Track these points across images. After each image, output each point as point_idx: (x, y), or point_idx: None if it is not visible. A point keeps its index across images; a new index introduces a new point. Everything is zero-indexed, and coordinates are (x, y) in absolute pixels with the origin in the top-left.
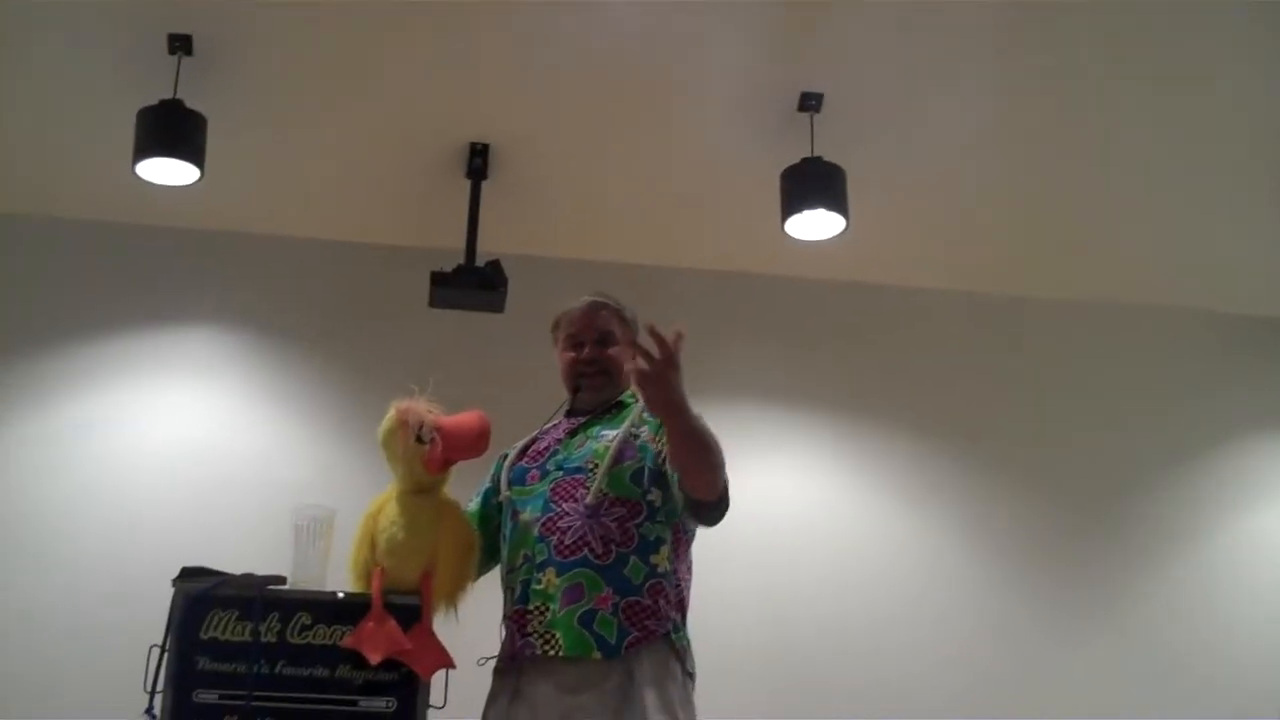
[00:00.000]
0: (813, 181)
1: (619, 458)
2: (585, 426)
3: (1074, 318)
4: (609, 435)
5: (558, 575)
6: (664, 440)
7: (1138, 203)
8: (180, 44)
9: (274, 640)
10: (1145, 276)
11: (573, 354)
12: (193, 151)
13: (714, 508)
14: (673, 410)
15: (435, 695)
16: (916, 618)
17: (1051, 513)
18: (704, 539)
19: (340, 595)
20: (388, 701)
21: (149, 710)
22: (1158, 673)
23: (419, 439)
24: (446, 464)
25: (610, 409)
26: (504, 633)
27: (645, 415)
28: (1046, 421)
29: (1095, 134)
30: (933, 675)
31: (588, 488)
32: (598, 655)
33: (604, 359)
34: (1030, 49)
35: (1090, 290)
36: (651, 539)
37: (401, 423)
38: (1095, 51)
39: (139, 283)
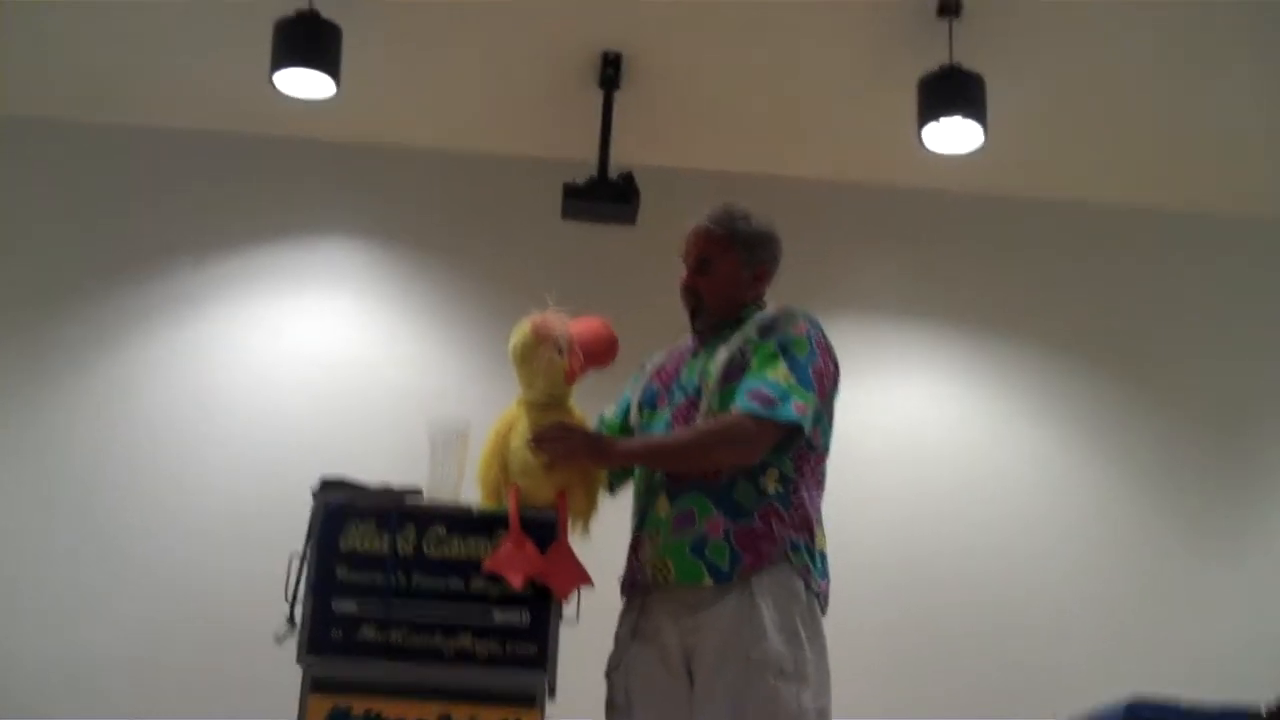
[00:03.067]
0: (951, 90)
1: (725, 378)
2: (707, 345)
3: (1221, 232)
4: (723, 354)
5: (670, 501)
6: (758, 362)
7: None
8: None
9: (410, 552)
10: None
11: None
12: (329, 63)
13: (777, 449)
14: (604, 460)
15: (568, 610)
16: (1052, 535)
17: (1193, 433)
18: (839, 456)
19: (475, 511)
20: (522, 614)
21: (289, 618)
22: None
23: (558, 351)
24: (582, 373)
25: (730, 326)
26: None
27: (750, 334)
28: (1189, 339)
29: (1245, 44)
30: (1065, 593)
31: (700, 409)
32: (709, 582)
33: (695, 287)
34: None
35: (1233, 204)
36: (758, 461)
37: (542, 338)
38: None
39: (274, 195)
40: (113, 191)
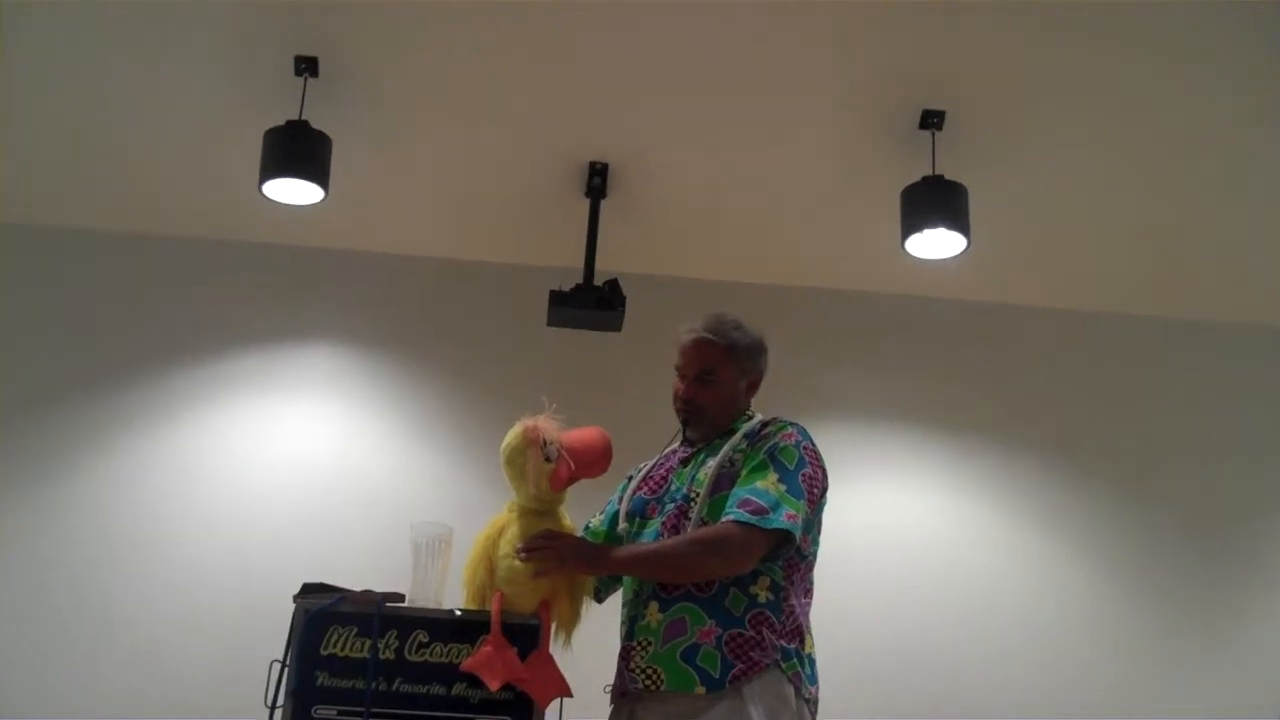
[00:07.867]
0: (934, 200)
1: (716, 487)
2: (697, 454)
3: (1194, 338)
4: (713, 464)
5: (660, 610)
6: (749, 471)
7: (1259, 223)
8: (306, 66)
9: (392, 657)
10: (1270, 298)
11: (677, 385)
12: (318, 171)
13: (768, 557)
14: (595, 567)
15: (550, 717)
16: (1028, 637)
17: (1165, 537)
18: (825, 555)
19: (458, 613)
20: None
21: None
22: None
23: (546, 457)
24: (571, 481)
25: (721, 436)
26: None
27: (739, 443)
28: (1164, 443)
29: (1218, 155)
30: (1047, 694)
31: (690, 518)
32: (701, 689)
33: (698, 400)
34: (1153, 69)
35: (1211, 311)
36: (748, 570)
37: (531, 440)
38: (1221, 69)
39: (263, 301)
40: (104, 297)
